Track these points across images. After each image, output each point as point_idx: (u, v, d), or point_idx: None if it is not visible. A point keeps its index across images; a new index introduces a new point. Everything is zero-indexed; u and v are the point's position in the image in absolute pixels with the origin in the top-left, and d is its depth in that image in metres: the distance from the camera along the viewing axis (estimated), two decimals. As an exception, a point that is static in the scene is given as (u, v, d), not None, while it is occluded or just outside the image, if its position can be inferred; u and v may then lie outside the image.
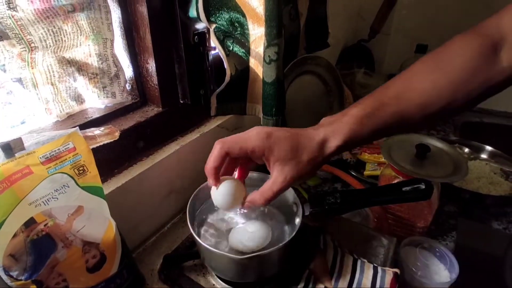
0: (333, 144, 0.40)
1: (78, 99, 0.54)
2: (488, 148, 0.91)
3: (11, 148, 0.36)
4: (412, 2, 1.21)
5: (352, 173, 0.85)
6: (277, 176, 0.40)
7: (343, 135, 0.39)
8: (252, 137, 0.39)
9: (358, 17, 1.28)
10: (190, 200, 0.49)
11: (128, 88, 0.59)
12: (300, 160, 0.39)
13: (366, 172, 0.85)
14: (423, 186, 0.45)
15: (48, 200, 0.38)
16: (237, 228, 0.50)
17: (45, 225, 0.38)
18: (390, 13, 1.19)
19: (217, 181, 0.42)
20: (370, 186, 0.75)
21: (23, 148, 0.37)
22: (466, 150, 0.91)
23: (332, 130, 0.40)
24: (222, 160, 0.40)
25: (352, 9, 1.25)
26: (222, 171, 0.43)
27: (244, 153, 0.39)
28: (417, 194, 0.45)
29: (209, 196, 0.55)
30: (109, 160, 0.52)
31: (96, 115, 0.54)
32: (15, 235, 0.36)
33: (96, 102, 0.56)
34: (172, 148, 0.59)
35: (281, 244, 0.42)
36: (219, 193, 0.42)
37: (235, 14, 0.59)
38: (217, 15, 0.58)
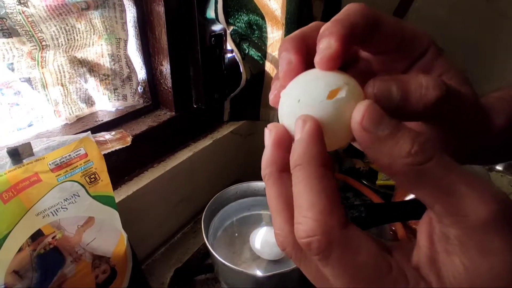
0: None
1: (88, 101, 0.51)
2: (504, 159, 0.88)
3: (19, 154, 0.33)
4: (423, 8, 1.19)
5: (364, 182, 0.83)
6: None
7: None
8: None
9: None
10: (205, 211, 0.46)
11: (140, 90, 0.56)
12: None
13: (378, 182, 0.83)
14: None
15: (57, 211, 0.35)
16: (260, 231, 0.47)
17: (53, 238, 0.35)
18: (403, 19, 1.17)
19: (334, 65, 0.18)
20: (397, 201, 0.71)
21: (31, 154, 0.34)
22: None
23: None
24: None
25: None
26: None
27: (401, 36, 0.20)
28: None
29: (225, 205, 0.54)
30: (120, 166, 0.49)
31: (106, 118, 0.51)
32: (20, 249, 0.33)
33: (106, 104, 0.53)
34: (184, 155, 0.57)
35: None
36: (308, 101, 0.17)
37: (254, 16, 0.57)
38: (236, 17, 0.56)
